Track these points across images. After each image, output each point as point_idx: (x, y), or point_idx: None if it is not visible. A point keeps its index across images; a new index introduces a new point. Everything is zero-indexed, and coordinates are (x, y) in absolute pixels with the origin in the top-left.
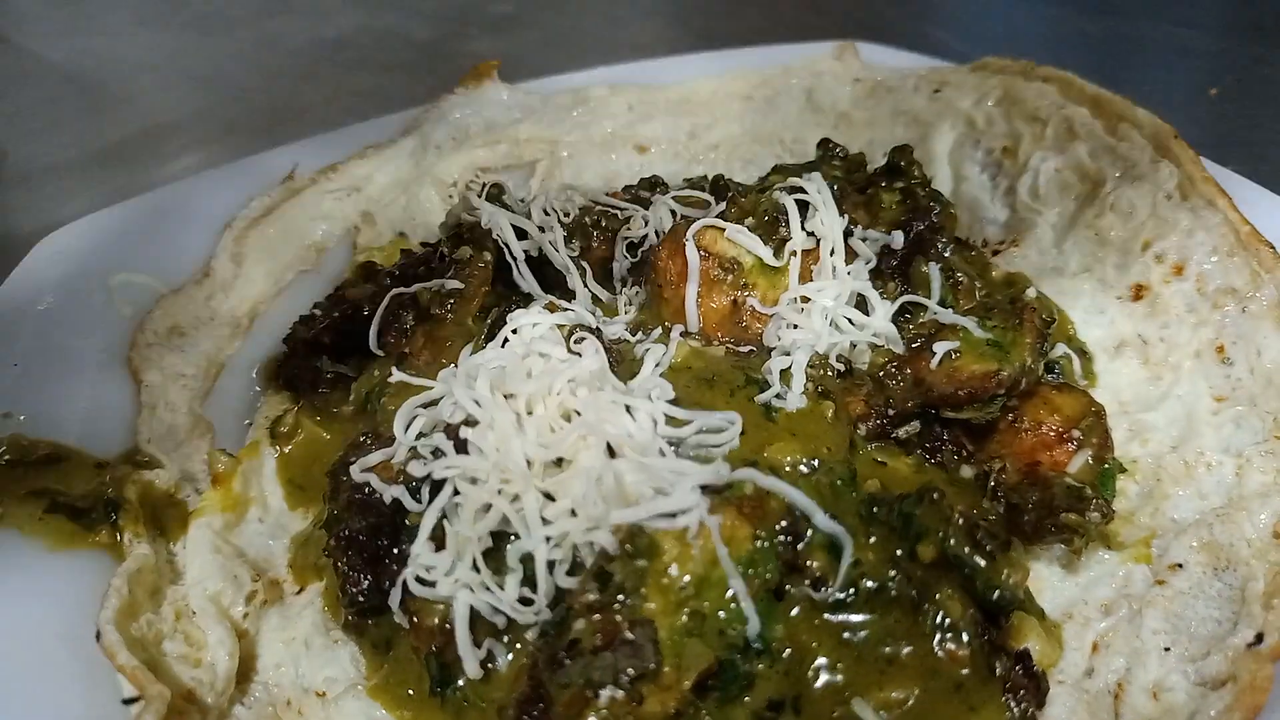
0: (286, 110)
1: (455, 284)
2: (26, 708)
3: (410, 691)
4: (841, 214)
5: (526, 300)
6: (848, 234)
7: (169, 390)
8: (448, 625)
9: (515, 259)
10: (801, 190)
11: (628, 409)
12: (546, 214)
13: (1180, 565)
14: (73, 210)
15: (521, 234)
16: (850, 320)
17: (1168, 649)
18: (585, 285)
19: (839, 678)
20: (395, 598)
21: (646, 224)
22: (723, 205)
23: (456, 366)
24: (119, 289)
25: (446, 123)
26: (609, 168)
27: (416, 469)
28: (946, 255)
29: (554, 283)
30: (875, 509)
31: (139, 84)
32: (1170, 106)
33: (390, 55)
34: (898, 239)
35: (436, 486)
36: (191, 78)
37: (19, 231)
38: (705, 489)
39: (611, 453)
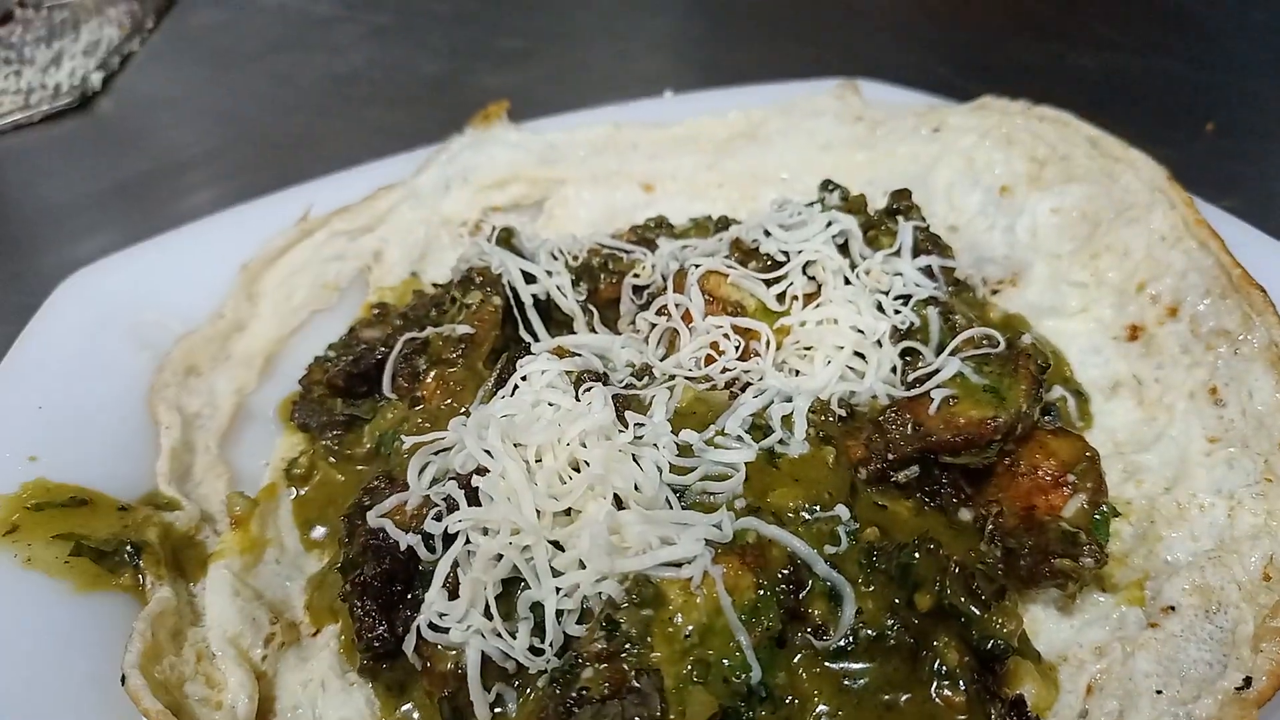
0: (300, 144)
1: (466, 329)
2: None
3: None
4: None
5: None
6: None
7: (187, 431)
8: (460, 670)
9: (524, 304)
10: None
11: (635, 457)
12: (554, 257)
13: (1173, 608)
14: (91, 246)
15: (530, 278)
16: (852, 369)
17: (1159, 691)
18: (592, 328)
19: None
20: (409, 643)
21: (654, 268)
22: (725, 248)
23: (467, 409)
24: (138, 330)
25: (456, 163)
26: (615, 206)
27: (431, 524)
28: (945, 298)
29: (561, 324)
30: (874, 558)
31: (155, 120)
32: (1167, 142)
33: (401, 90)
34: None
35: (450, 536)
36: (207, 113)
37: (39, 267)
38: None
39: (619, 502)
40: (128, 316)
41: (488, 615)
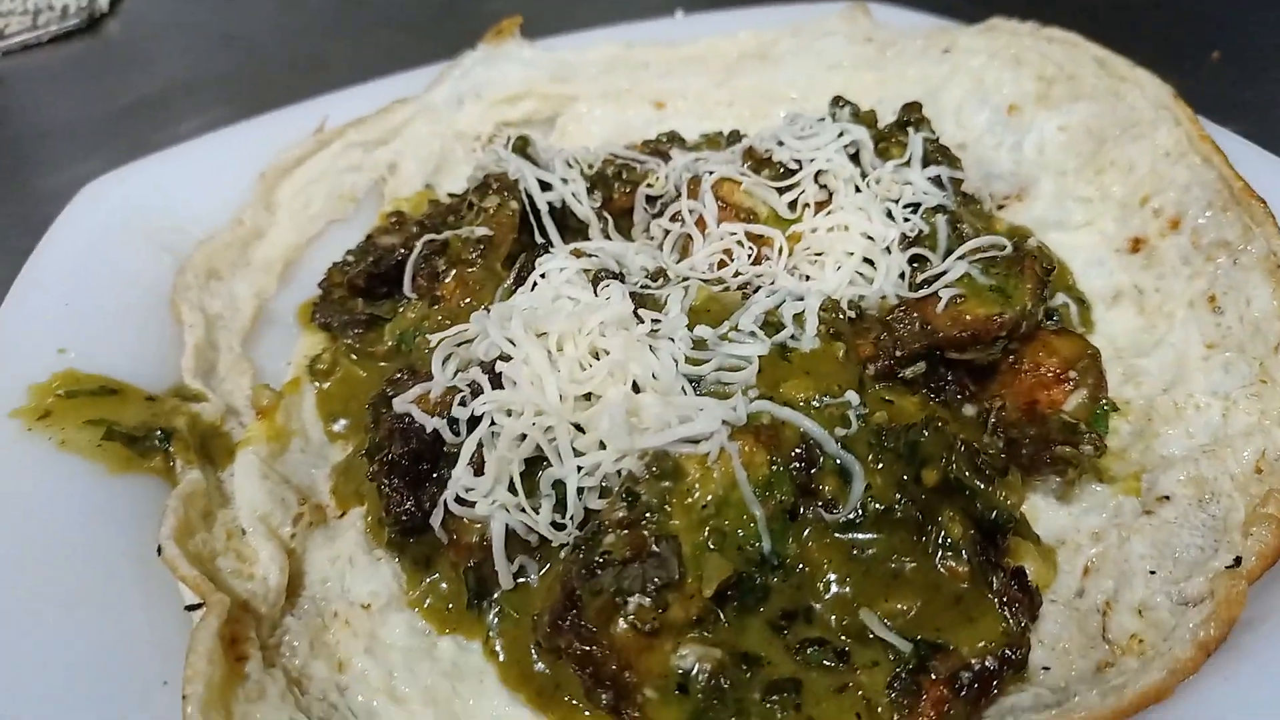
0: (308, 68)
1: (485, 231)
2: (95, 615)
3: (449, 605)
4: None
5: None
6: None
7: (210, 331)
8: (485, 542)
9: (539, 210)
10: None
11: (651, 348)
12: (570, 165)
13: (1168, 497)
14: (98, 165)
15: (545, 186)
16: (861, 274)
17: (1153, 572)
18: (606, 235)
19: (848, 590)
20: (437, 517)
21: (667, 179)
22: (738, 157)
23: (486, 307)
24: (159, 235)
25: (469, 78)
26: (627, 123)
27: (457, 409)
28: (953, 207)
29: (576, 232)
30: (884, 437)
31: (161, 43)
32: (1173, 70)
33: (409, 12)
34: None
35: (474, 420)
36: (214, 36)
37: (48, 185)
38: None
39: (636, 389)
40: (148, 221)
41: (512, 491)
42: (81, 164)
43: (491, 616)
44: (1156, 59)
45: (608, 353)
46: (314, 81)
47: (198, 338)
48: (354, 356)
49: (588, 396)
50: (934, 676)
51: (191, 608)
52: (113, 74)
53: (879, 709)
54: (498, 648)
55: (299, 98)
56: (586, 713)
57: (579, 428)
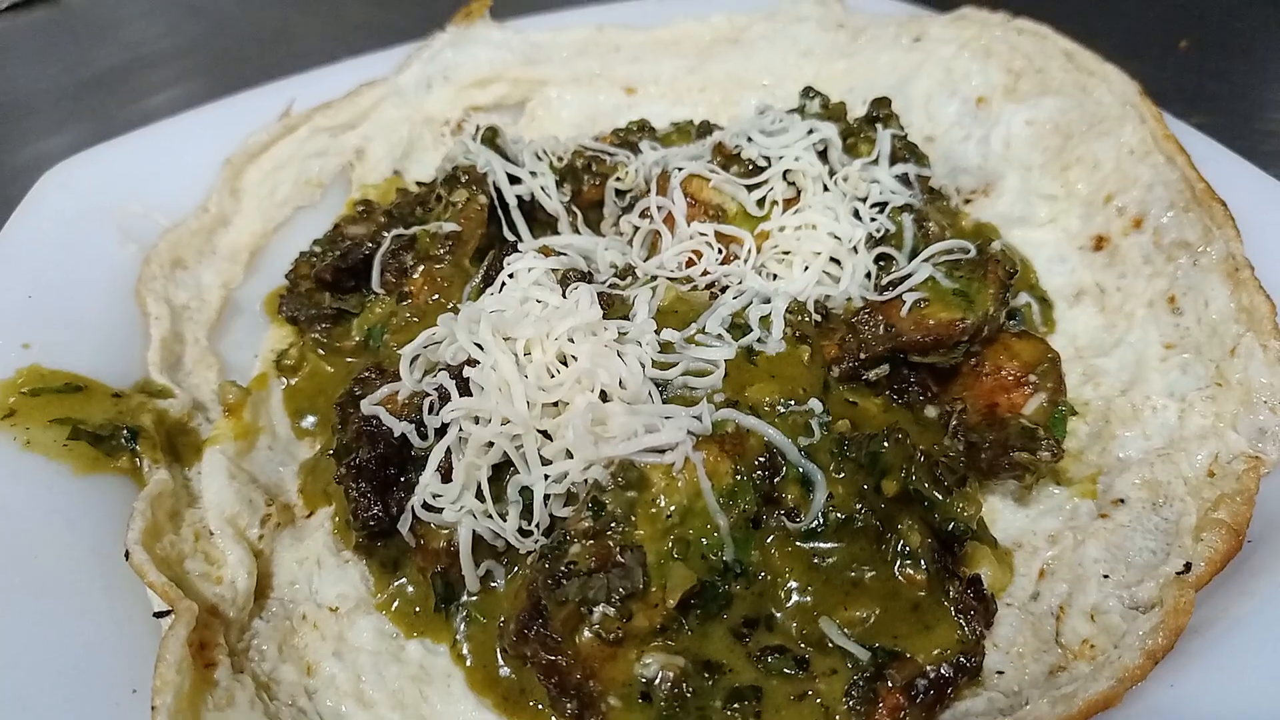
0: (276, 40)
1: (453, 227)
2: (62, 620)
3: (416, 609)
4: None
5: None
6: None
7: (176, 322)
8: (452, 547)
9: (508, 204)
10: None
11: (619, 354)
12: (539, 158)
13: (1122, 500)
14: (63, 140)
15: (514, 179)
16: (828, 274)
17: (1106, 576)
18: (576, 229)
19: (808, 599)
20: (405, 522)
21: (637, 173)
22: (708, 152)
23: (454, 305)
24: (124, 222)
25: (438, 61)
26: (597, 108)
27: (426, 417)
28: (919, 206)
29: (545, 225)
30: (845, 447)
31: (124, 10)
32: (1141, 59)
33: None
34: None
35: (442, 426)
36: (179, 5)
37: (11, 161)
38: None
39: (604, 397)
40: (113, 208)
41: (479, 497)
42: (45, 141)
43: (459, 621)
44: (1127, 46)
45: (575, 359)
46: (281, 55)
47: (164, 331)
48: (321, 352)
49: (555, 404)
50: (890, 684)
51: (160, 614)
52: (76, 44)
53: (837, 716)
54: (465, 652)
55: (267, 71)
56: (552, 718)
57: (546, 435)
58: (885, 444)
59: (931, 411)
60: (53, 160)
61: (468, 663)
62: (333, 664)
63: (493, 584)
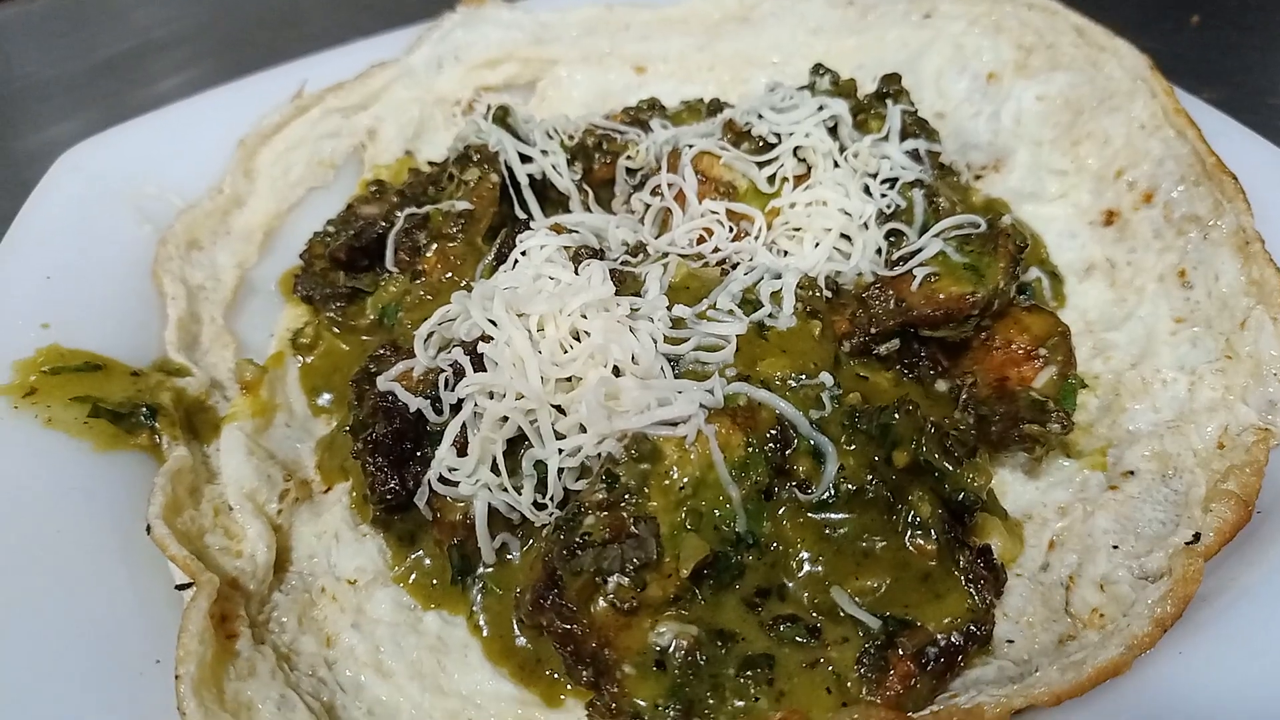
0: (283, 23)
1: (465, 205)
2: (85, 594)
3: (434, 581)
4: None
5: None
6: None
7: (192, 302)
8: (468, 520)
9: (519, 183)
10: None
11: (632, 329)
12: (550, 137)
13: (1132, 472)
14: (75, 125)
15: (526, 158)
16: (839, 250)
17: (1116, 547)
18: (587, 207)
19: (820, 569)
20: (421, 496)
21: (648, 151)
22: (718, 130)
23: (468, 282)
24: (139, 204)
25: (448, 41)
26: (607, 87)
27: (442, 393)
28: (930, 181)
29: (557, 204)
30: (856, 419)
31: None
32: (1153, 35)
33: None
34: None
35: (458, 401)
36: None
37: (23, 147)
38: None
39: (617, 372)
40: (128, 190)
41: (495, 471)
42: (58, 125)
43: (475, 592)
44: (1138, 22)
45: (588, 334)
46: (290, 38)
47: (180, 310)
48: (336, 330)
49: (569, 379)
50: (901, 652)
51: (181, 587)
52: (85, 29)
53: (848, 683)
54: (481, 623)
55: (276, 54)
56: (568, 686)
57: (560, 409)
58: (896, 415)
59: (942, 385)
60: (66, 145)
61: (484, 633)
62: (351, 635)
63: (509, 556)
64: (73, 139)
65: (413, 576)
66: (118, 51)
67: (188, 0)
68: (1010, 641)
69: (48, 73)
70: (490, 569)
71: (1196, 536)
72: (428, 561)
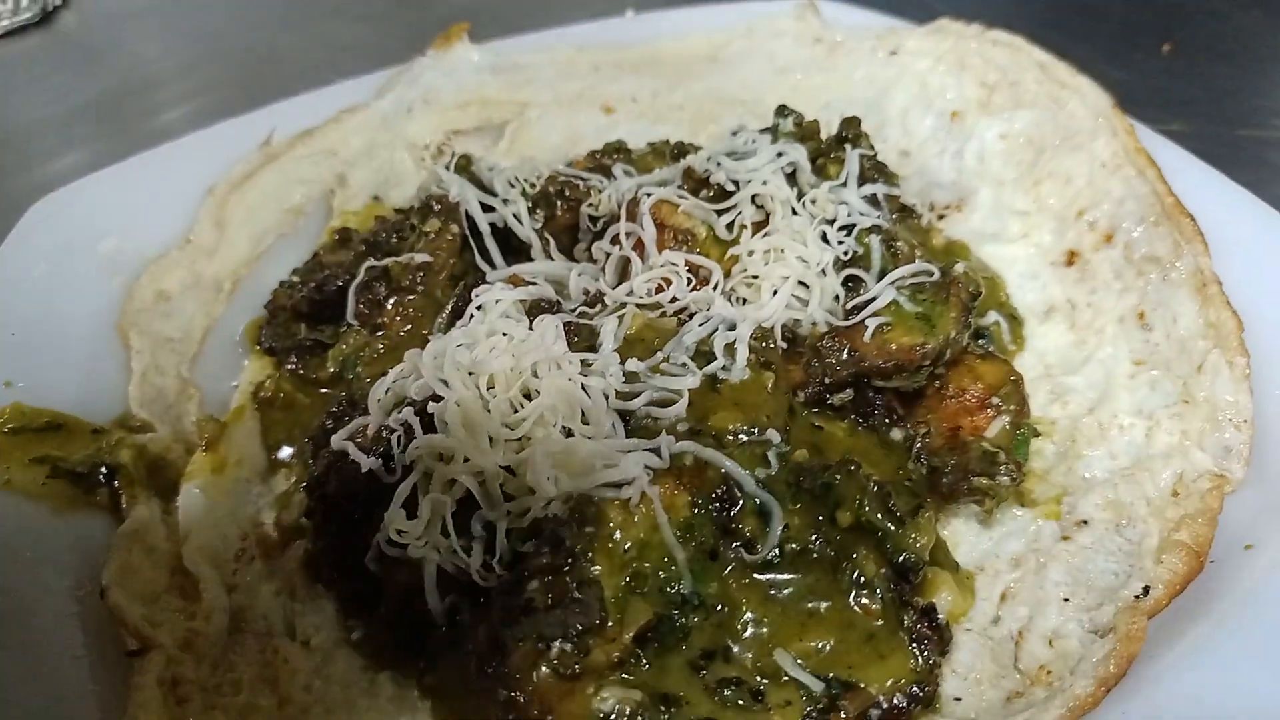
0: (265, 60)
1: (424, 257)
2: (43, 659)
3: (387, 643)
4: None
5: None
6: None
7: (158, 355)
8: (419, 582)
9: (481, 232)
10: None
11: (584, 386)
12: (511, 185)
13: (1086, 522)
14: (62, 166)
15: (488, 206)
16: (797, 298)
17: (1067, 599)
18: (549, 255)
19: (764, 630)
20: (372, 558)
21: (610, 199)
22: (678, 178)
23: (427, 335)
24: (107, 255)
25: (418, 85)
26: (577, 129)
27: (395, 452)
28: (888, 226)
29: (519, 252)
30: (801, 478)
31: (118, 35)
32: (1124, 64)
33: (365, 6)
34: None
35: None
36: (171, 28)
37: (7, 189)
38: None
39: (569, 432)
40: (97, 241)
41: (444, 533)
42: (42, 168)
43: (427, 655)
44: (1110, 50)
45: (539, 393)
46: (271, 74)
47: (144, 364)
48: (297, 383)
49: (520, 439)
50: (844, 715)
51: (132, 653)
52: (70, 70)
53: None
54: (432, 684)
55: (259, 91)
56: None
57: (510, 470)
58: (838, 476)
59: (897, 434)
60: (53, 185)
61: (436, 695)
62: (304, 697)
63: (459, 618)
64: (64, 179)
65: (366, 638)
66: (105, 90)
67: (171, 40)
68: (958, 699)
69: (32, 115)
70: (441, 631)
71: (1146, 590)
72: (380, 623)
